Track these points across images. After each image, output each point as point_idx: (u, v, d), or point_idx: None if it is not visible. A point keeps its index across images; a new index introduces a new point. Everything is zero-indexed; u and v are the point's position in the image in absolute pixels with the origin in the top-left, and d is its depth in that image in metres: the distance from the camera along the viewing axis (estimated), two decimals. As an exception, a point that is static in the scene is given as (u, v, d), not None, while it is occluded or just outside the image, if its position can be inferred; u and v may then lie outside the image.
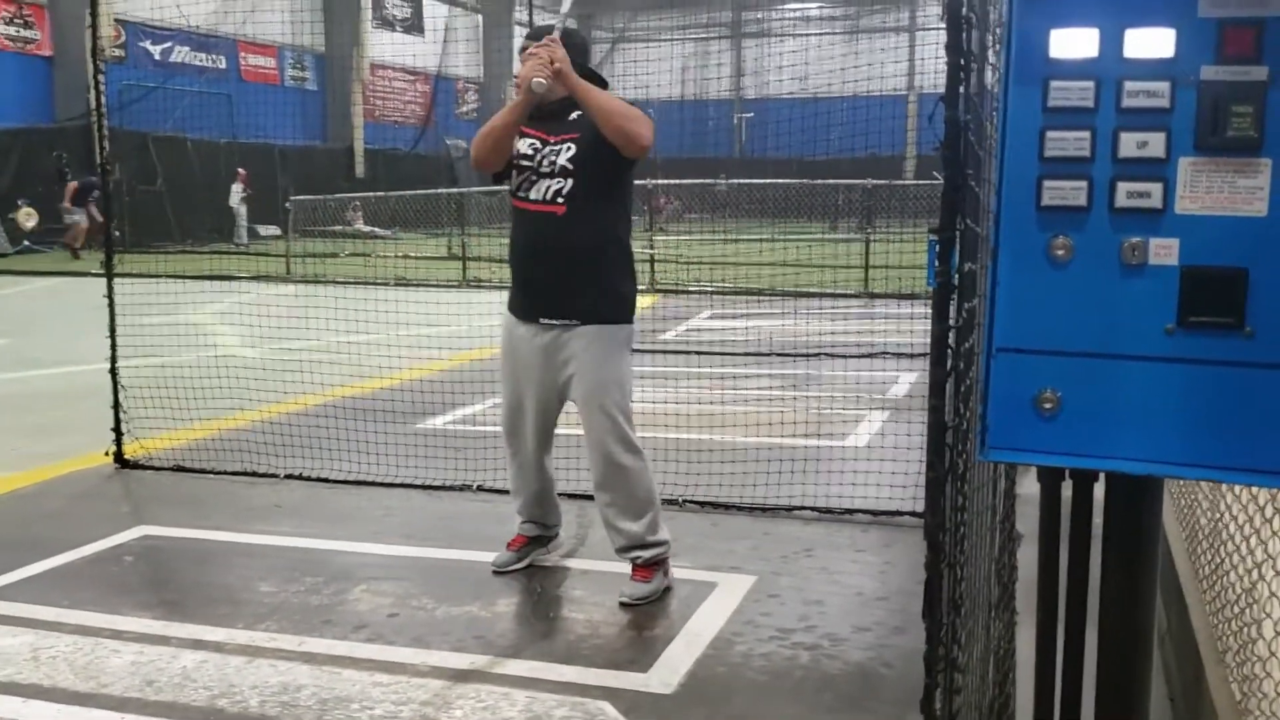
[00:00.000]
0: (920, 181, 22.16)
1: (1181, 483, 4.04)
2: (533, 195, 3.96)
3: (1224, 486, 2.98)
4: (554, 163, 3.94)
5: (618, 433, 3.98)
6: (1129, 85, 1.46)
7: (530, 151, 3.97)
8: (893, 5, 40.36)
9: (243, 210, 25.94)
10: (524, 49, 3.97)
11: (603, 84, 4.07)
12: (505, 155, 3.98)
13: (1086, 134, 1.48)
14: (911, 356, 8.60)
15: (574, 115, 3.95)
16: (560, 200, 3.92)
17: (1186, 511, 3.89)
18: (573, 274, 3.95)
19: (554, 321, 3.99)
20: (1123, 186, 1.48)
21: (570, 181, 3.91)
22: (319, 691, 3.39)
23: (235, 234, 25.70)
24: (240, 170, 26.01)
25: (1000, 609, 2.71)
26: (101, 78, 6.40)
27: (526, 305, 4.07)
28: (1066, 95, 1.48)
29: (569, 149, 3.93)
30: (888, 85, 13.21)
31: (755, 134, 37.77)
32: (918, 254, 13.88)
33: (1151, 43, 1.44)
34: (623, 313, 4.04)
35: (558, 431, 4.30)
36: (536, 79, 3.76)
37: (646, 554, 4.11)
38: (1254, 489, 2.57)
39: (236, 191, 25.92)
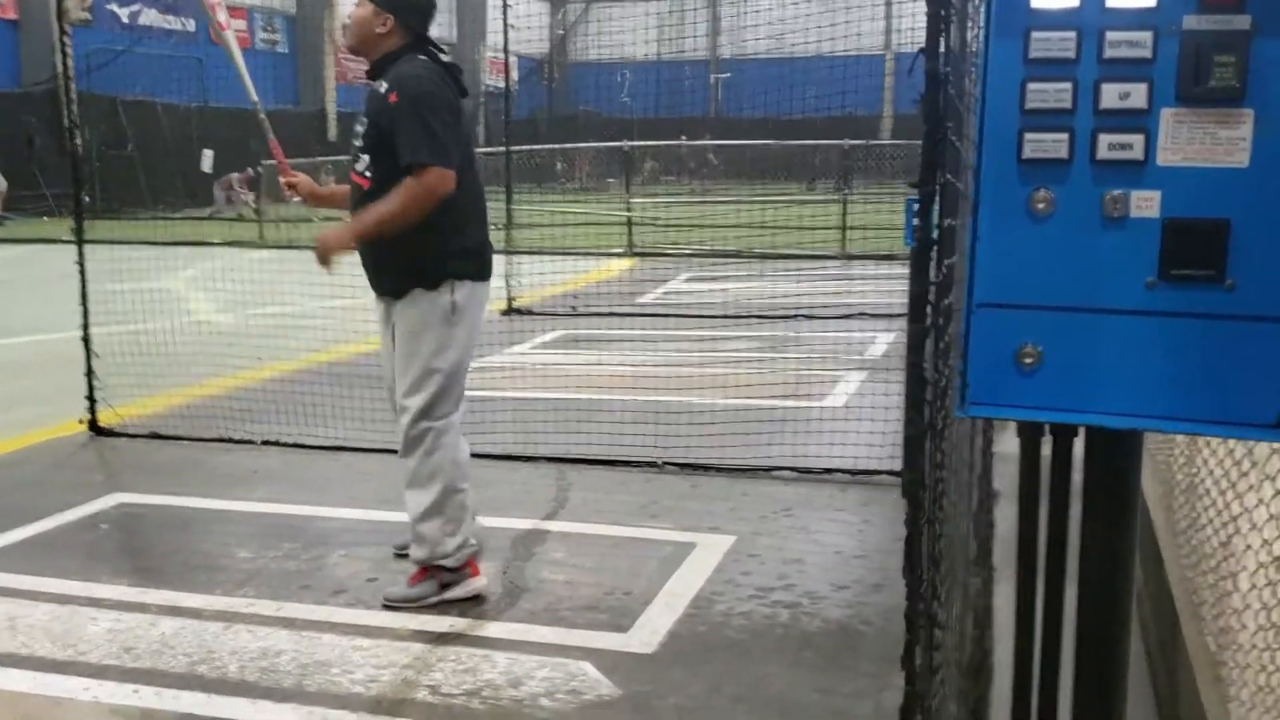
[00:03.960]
0: (898, 141, 22.13)
1: (1159, 441, 4.07)
2: (357, 167, 3.81)
3: (1201, 442, 3.00)
4: (360, 135, 3.80)
5: (416, 402, 3.77)
6: (1111, 35, 1.44)
7: (360, 127, 3.83)
8: (869, -36, 40.03)
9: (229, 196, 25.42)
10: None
11: (436, 47, 3.86)
12: None
13: (1068, 85, 1.46)
14: (889, 317, 8.61)
15: (379, 85, 3.75)
16: (367, 175, 3.76)
17: (1164, 469, 3.92)
18: (374, 251, 3.76)
19: (382, 297, 3.84)
20: (1104, 138, 1.46)
21: (368, 158, 3.75)
22: (298, 656, 3.39)
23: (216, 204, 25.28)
24: (243, 174, 25.03)
25: (977, 565, 2.72)
26: (68, 41, 6.29)
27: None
28: (1048, 46, 1.45)
29: (363, 124, 3.80)
30: (865, 44, 13.13)
31: (732, 94, 37.58)
32: (895, 214, 13.87)
33: (1133, -9, 1.42)
34: (426, 280, 3.70)
35: (534, 395, 4.26)
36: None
37: (416, 554, 3.82)
38: (1230, 444, 2.58)
39: (234, 179, 25.26)
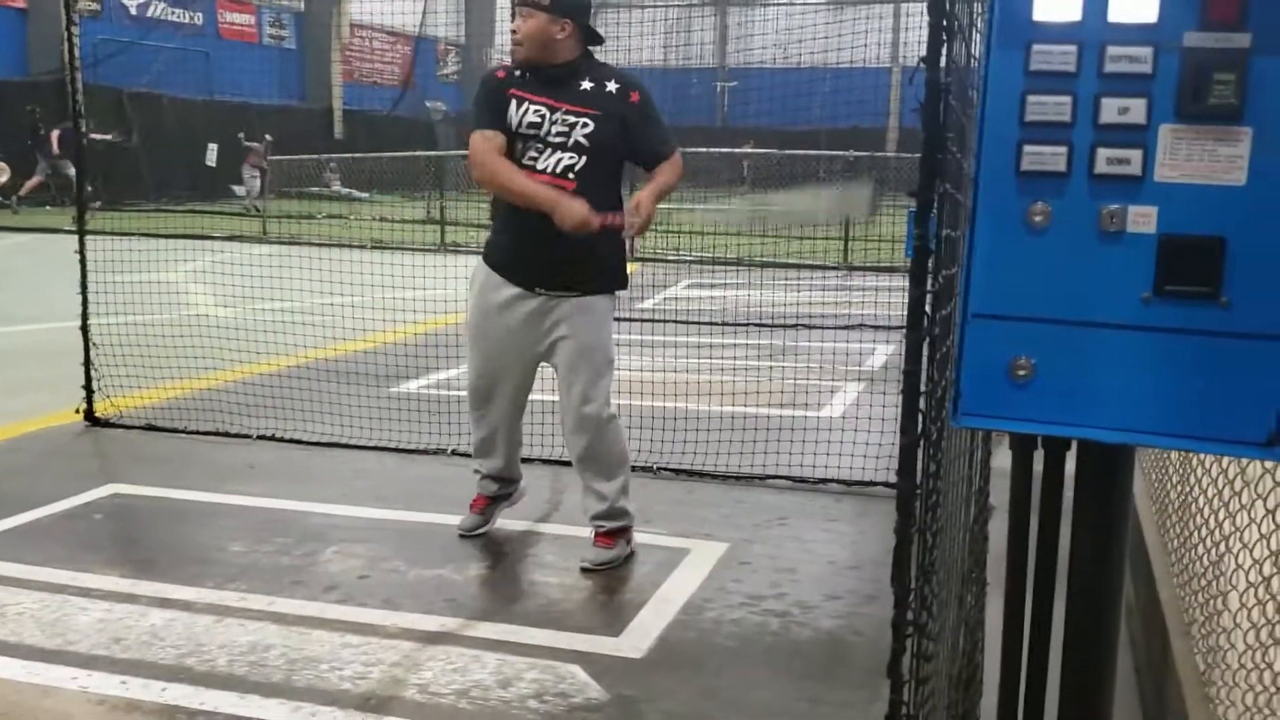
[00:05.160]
0: (902, 155, 22.09)
1: (1153, 459, 4.07)
2: (540, 166, 3.84)
3: (1195, 461, 3.00)
4: (566, 135, 3.82)
5: (602, 393, 4.00)
6: (1112, 50, 1.44)
7: (537, 119, 3.83)
8: (878, -24, 40.02)
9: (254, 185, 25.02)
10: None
11: (599, 40, 4.01)
12: None
13: (1068, 99, 1.46)
14: (889, 329, 8.61)
15: (585, 85, 3.84)
16: (571, 176, 3.82)
17: (1157, 487, 3.92)
18: (576, 250, 3.87)
19: (552, 293, 3.95)
20: (1103, 153, 1.46)
21: (583, 159, 3.82)
22: (288, 651, 3.38)
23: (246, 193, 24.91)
24: (256, 145, 24.54)
25: (972, 579, 2.72)
26: (75, 30, 6.30)
27: (523, 274, 3.97)
28: (1048, 59, 1.46)
29: (585, 125, 3.81)
30: (871, 55, 13.12)
31: (737, 102, 37.56)
32: (897, 226, 13.87)
33: (1135, 7, 1.43)
34: (614, 283, 4.07)
35: (532, 397, 4.28)
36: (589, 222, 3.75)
37: (610, 524, 4.13)
38: (1224, 463, 2.58)
39: (248, 168, 24.86)
